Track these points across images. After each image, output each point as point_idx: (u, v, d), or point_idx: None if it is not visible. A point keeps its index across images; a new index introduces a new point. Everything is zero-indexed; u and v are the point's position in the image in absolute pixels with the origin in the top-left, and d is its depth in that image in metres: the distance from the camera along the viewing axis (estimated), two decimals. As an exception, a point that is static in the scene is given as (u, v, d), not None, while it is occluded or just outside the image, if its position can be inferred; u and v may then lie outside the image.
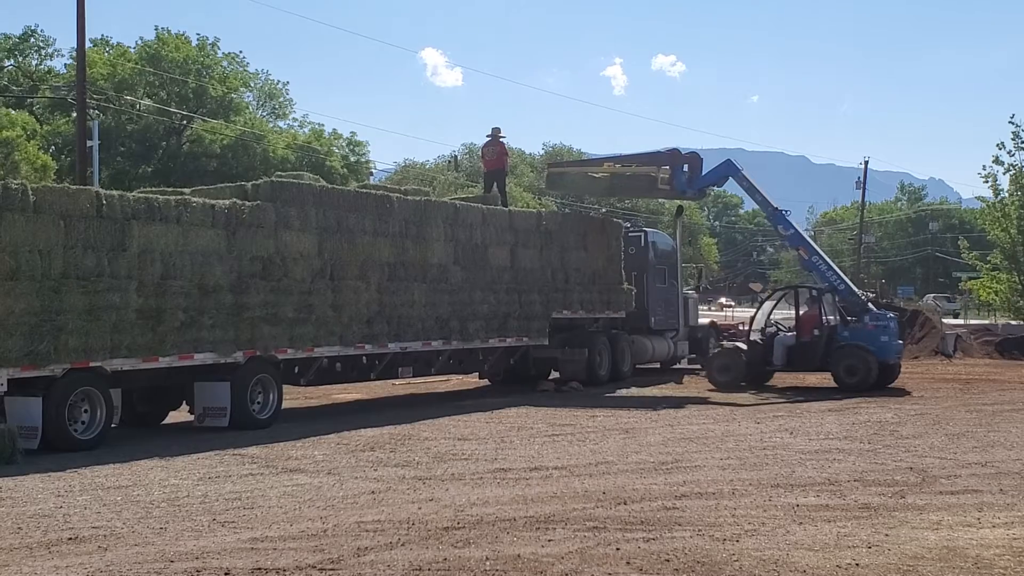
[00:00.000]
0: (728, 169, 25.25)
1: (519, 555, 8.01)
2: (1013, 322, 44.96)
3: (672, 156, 25.27)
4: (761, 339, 24.07)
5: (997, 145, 43.22)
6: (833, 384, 23.17)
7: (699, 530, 8.82)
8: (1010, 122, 43.05)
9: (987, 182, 44.22)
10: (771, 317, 24.97)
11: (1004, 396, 21.58)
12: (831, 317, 24.01)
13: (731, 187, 26.11)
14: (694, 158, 25.25)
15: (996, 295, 46.42)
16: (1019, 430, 15.83)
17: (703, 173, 25.29)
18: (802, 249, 25.35)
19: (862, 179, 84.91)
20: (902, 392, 22.48)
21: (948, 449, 13.80)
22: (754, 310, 26.66)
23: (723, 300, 74.39)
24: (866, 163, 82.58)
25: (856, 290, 24.95)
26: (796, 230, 25.99)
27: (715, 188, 25.52)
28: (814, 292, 24.56)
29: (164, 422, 17.90)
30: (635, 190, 28.79)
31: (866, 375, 23.07)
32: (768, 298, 26.66)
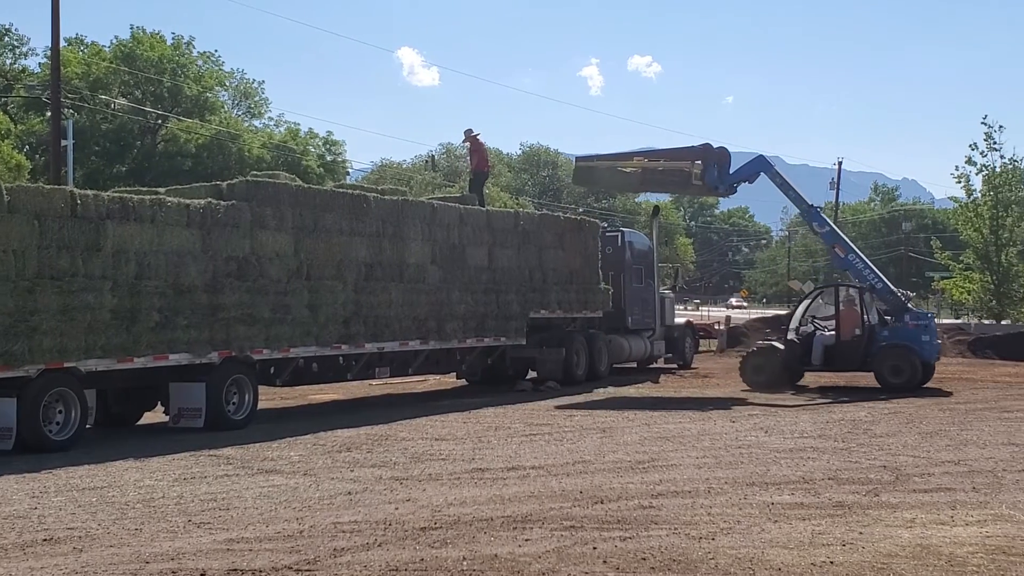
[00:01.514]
0: (760, 165, 24.85)
1: (496, 555, 8.02)
2: (986, 321, 45.34)
3: (704, 151, 24.71)
4: (798, 338, 23.72)
5: (970, 146, 43.67)
6: (867, 384, 23.02)
7: (675, 528, 8.85)
8: (983, 123, 43.49)
9: (960, 183, 44.66)
10: (807, 315, 24.41)
11: (977, 395, 21.74)
12: (870, 316, 23.69)
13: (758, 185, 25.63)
14: (723, 154, 24.75)
15: (969, 295, 46.83)
16: (991, 429, 15.96)
17: (732, 169, 24.86)
18: (838, 247, 24.84)
19: (836, 179, 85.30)
20: (942, 392, 22.27)
21: (921, 448, 13.90)
22: (793, 308, 25.96)
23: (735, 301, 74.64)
24: (840, 164, 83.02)
25: (894, 289, 24.76)
26: (832, 227, 25.72)
27: (747, 184, 25.03)
28: (853, 291, 24.09)
29: (139, 423, 17.82)
30: (668, 185, 27.76)
31: (912, 375, 22.89)
32: (807, 296, 26.04)
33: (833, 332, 23.66)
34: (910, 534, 8.60)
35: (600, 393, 22.45)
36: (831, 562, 7.72)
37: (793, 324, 24.20)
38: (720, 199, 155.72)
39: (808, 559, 7.81)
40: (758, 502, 10.04)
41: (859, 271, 24.22)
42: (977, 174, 44.08)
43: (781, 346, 23.75)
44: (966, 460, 12.74)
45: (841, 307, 23.91)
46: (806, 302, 25.19)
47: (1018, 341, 34.80)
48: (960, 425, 16.45)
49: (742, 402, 20.58)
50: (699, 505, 9.89)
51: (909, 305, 24.44)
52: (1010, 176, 43.77)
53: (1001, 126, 43.27)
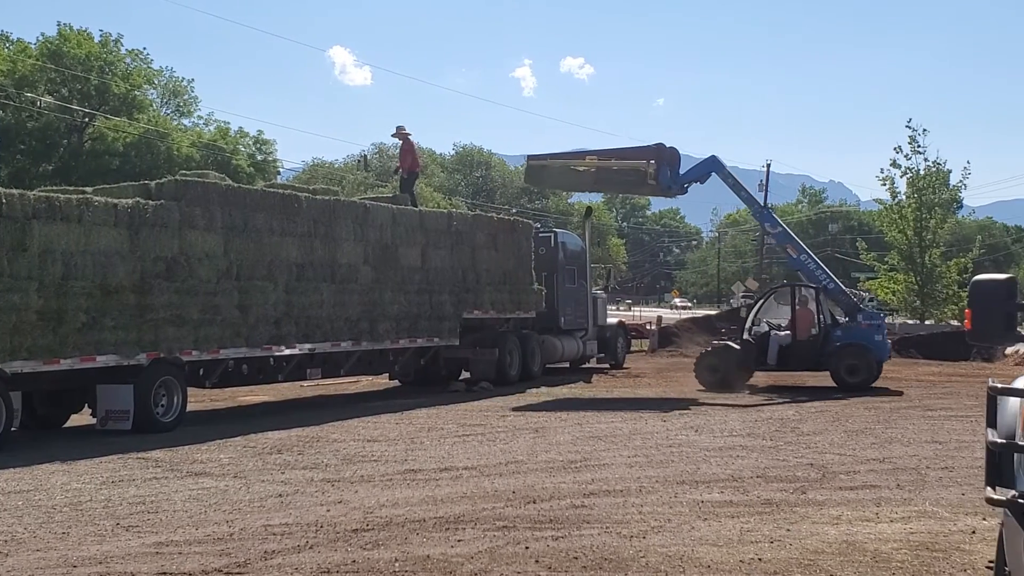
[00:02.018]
0: (712, 165, 24.88)
1: (428, 556, 8.03)
2: (910, 321, 46.22)
3: (657, 151, 24.57)
4: (752, 338, 23.80)
5: (895, 149, 44.49)
6: (815, 384, 23.31)
7: (607, 527, 8.92)
8: (907, 126, 44.34)
9: (885, 185, 45.50)
10: (757, 315, 24.48)
11: (901, 394, 22.13)
12: (825, 316, 23.84)
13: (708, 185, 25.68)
14: (674, 154, 24.69)
15: (893, 295, 47.70)
16: (915, 427, 16.28)
17: (682, 169, 24.83)
18: (790, 247, 25.07)
19: (765, 181, 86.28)
20: (893, 392, 22.54)
21: (848, 446, 14.14)
22: (742, 308, 25.95)
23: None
24: (768, 166, 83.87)
25: (846, 289, 24.94)
26: (784, 228, 25.83)
27: (697, 184, 25.04)
28: (808, 291, 24.20)
29: (66, 425, 17.54)
30: (622, 185, 27.66)
31: (868, 374, 23.17)
32: (763, 296, 26.02)
33: (788, 332, 23.81)
34: (836, 531, 8.76)
35: (534, 393, 22.51)
36: (759, 559, 7.84)
37: (747, 324, 24.22)
38: (651, 199, 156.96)
39: (737, 556, 7.92)
40: (688, 500, 10.15)
41: (811, 271, 24.47)
42: (901, 177, 44.97)
43: (736, 346, 23.76)
44: (891, 458, 12.98)
45: (797, 307, 24.03)
46: (760, 302, 25.25)
47: (941, 341, 35.53)
48: (885, 424, 16.75)
49: (694, 402, 20.52)
50: (630, 504, 9.98)
51: (861, 305, 24.78)
52: (933, 179, 44.67)
53: (925, 129, 44.17)
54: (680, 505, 9.93)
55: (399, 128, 25.18)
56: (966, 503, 9.96)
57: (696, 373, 23.86)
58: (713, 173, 24.88)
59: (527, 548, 8.22)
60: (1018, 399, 4.77)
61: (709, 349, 24.74)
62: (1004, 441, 4.69)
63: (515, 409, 19.36)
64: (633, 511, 9.64)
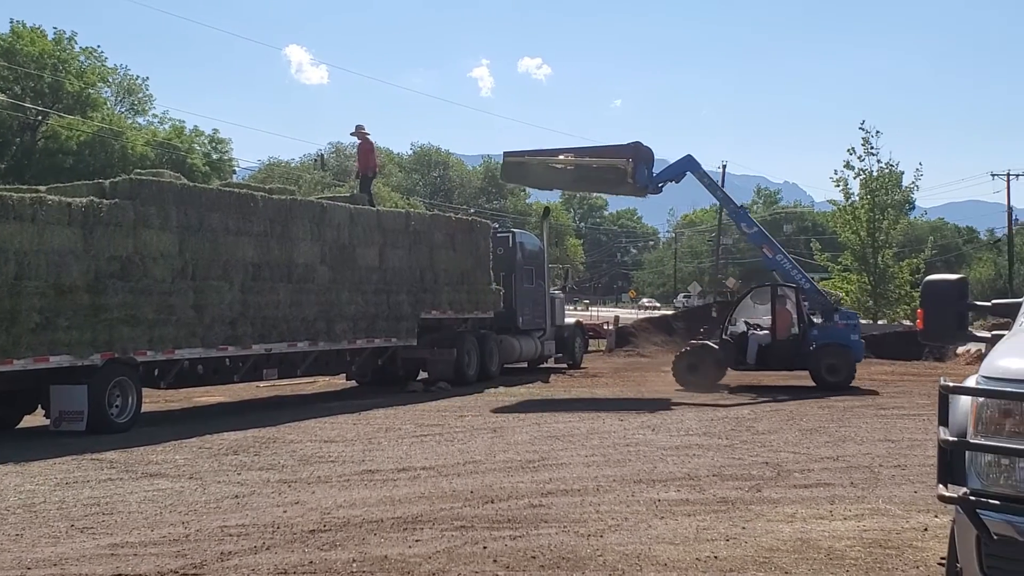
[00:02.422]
0: (688, 165, 24.82)
1: (386, 556, 8.02)
2: (863, 321, 46.67)
3: (635, 150, 24.39)
4: (731, 337, 23.80)
5: (848, 150, 44.94)
6: (785, 383, 23.45)
7: (564, 527, 8.95)
8: (861, 128, 44.80)
9: (838, 186, 45.97)
10: (735, 315, 24.53)
11: (855, 393, 22.36)
12: (804, 316, 23.93)
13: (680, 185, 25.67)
14: (649, 153, 24.58)
15: (847, 295, 48.19)
16: (868, 425, 16.46)
17: (655, 169, 24.78)
18: (766, 247, 25.08)
19: (720, 182, 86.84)
20: (870, 391, 22.77)
21: (802, 444, 14.27)
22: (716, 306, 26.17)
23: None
24: (724, 167, 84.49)
25: (821, 289, 25.00)
26: (759, 228, 25.89)
27: (672, 183, 24.98)
28: (788, 291, 24.29)
29: (19, 426, 17.35)
30: (602, 183, 26.89)
31: (848, 374, 23.32)
32: (743, 296, 25.94)
33: (767, 332, 23.87)
34: (791, 528, 8.84)
35: (492, 393, 22.52)
36: (715, 557, 7.90)
37: (726, 323, 24.26)
38: (609, 199, 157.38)
39: (693, 554, 7.97)
40: (645, 499, 10.21)
41: (787, 271, 24.58)
42: (855, 178, 45.44)
43: (715, 345, 23.78)
44: (844, 456, 13.12)
45: (776, 307, 24.08)
46: (747, 301, 25.21)
47: (894, 340, 35.94)
48: (839, 422, 16.92)
49: (673, 403, 20.28)
50: (588, 503, 10.02)
51: (838, 306, 24.94)
52: (886, 180, 45.16)
53: (878, 131, 44.69)
54: (637, 504, 9.98)
55: (358, 127, 25.05)
56: (918, 501, 10.09)
57: (674, 373, 23.82)
58: (688, 172, 24.84)
59: (485, 548, 8.23)
60: (969, 398, 4.84)
61: (687, 349, 24.60)
62: (956, 439, 4.77)
63: (473, 409, 19.33)
64: (590, 510, 9.67)
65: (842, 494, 10.46)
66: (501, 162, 26.71)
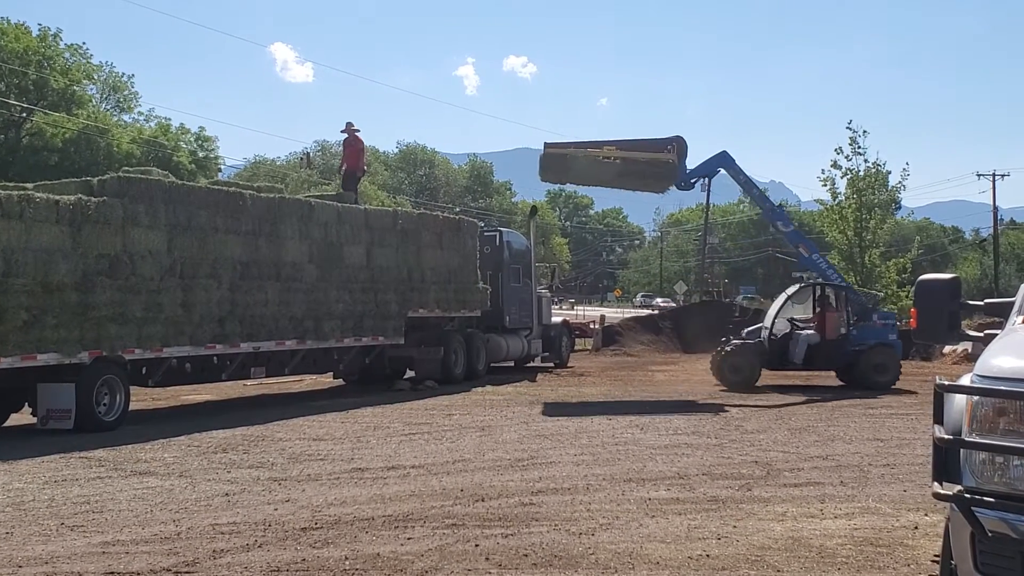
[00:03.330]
0: (723, 161, 24.44)
1: (378, 554, 8.02)
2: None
3: (678, 143, 23.56)
4: (775, 336, 23.51)
5: (835, 150, 45.00)
6: (796, 384, 23.39)
7: (556, 525, 8.97)
8: (848, 128, 44.86)
9: (825, 186, 46.01)
10: (779, 315, 24.15)
11: (843, 392, 22.44)
12: (850, 315, 23.78)
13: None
14: (686, 146, 23.77)
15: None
16: (857, 425, 16.53)
17: (694, 164, 24.31)
18: (802, 246, 24.90)
19: (707, 181, 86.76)
20: (907, 391, 22.63)
21: (791, 443, 14.32)
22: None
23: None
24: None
25: (857, 289, 24.83)
26: (796, 228, 25.57)
27: (704, 180, 24.55)
28: (835, 291, 24.11)
29: (5, 424, 17.26)
30: (647, 179, 24.64)
31: (895, 374, 23.21)
32: (793, 295, 25.17)
33: (814, 331, 23.58)
34: (782, 527, 8.87)
35: (480, 392, 22.52)
36: (707, 555, 7.92)
37: (767, 323, 24.03)
38: (594, 197, 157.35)
39: (685, 553, 7.99)
40: (636, 498, 10.23)
41: (823, 271, 24.48)
42: (842, 177, 45.50)
43: (759, 345, 23.46)
44: (834, 455, 13.17)
45: (826, 306, 23.84)
46: (780, 299, 25.00)
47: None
48: (827, 421, 16.99)
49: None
50: (578, 502, 10.03)
51: (875, 305, 24.84)
52: (873, 179, 45.27)
53: (865, 131, 44.74)
54: (628, 503, 10.00)
55: (349, 125, 24.97)
56: (908, 499, 10.15)
57: (717, 372, 23.42)
58: (721, 169, 24.44)
59: (477, 546, 8.24)
60: (964, 396, 4.87)
61: (731, 348, 23.82)
62: (951, 437, 4.80)
63: (461, 407, 19.31)
64: (581, 509, 9.69)
65: (832, 493, 10.50)
66: (542, 154, 23.92)
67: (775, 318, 23.96)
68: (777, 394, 21.79)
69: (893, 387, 23.10)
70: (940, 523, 8.95)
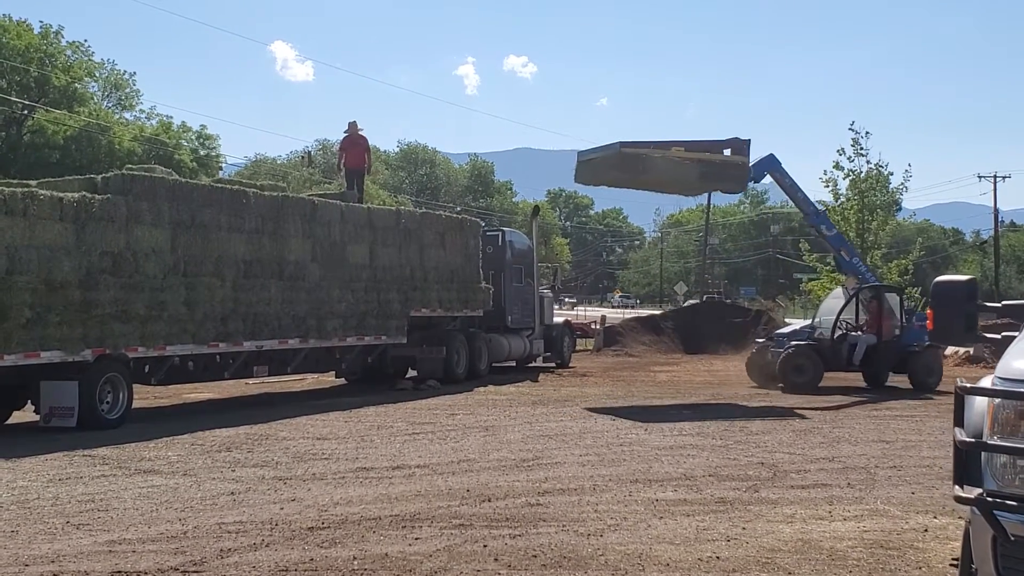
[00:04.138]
0: (771, 164, 24.22)
1: (387, 554, 7.98)
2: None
3: (736, 144, 22.96)
4: (834, 338, 23.38)
5: (838, 151, 44.88)
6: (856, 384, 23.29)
7: (563, 526, 8.93)
8: (850, 129, 44.74)
9: (828, 187, 45.85)
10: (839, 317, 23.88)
11: (846, 394, 22.38)
12: (903, 317, 23.82)
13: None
14: (746, 147, 23.15)
15: (836, 296, 48.19)
16: (862, 426, 16.48)
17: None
18: (844, 250, 24.87)
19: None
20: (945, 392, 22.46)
21: (796, 445, 14.27)
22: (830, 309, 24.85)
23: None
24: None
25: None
26: (839, 232, 25.55)
27: (752, 184, 24.30)
28: (891, 293, 24.19)
29: (8, 422, 17.22)
30: (726, 180, 23.66)
31: (940, 376, 23.26)
32: (851, 297, 24.71)
33: (872, 333, 23.51)
34: (791, 529, 8.83)
35: (482, 392, 22.47)
36: (717, 557, 7.88)
37: (822, 323, 23.92)
38: (595, 198, 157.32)
39: (695, 554, 7.95)
40: (643, 499, 10.18)
41: (863, 273, 24.51)
42: (844, 178, 45.39)
43: (822, 346, 23.29)
44: (840, 457, 13.12)
45: (883, 307, 23.81)
46: (833, 302, 24.80)
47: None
48: (832, 423, 16.94)
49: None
50: (586, 502, 9.99)
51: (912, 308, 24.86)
52: (875, 181, 45.17)
53: (868, 132, 44.60)
54: (635, 503, 9.96)
55: (352, 124, 24.85)
56: (917, 502, 10.10)
57: (781, 375, 23.13)
58: (768, 173, 24.27)
59: (485, 546, 8.19)
60: (985, 399, 4.83)
61: (793, 350, 23.45)
62: (972, 440, 4.75)
63: (464, 407, 19.25)
64: (589, 509, 9.65)
65: (840, 495, 10.46)
66: (618, 152, 21.84)
67: (837, 319, 23.66)
68: (830, 396, 21.58)
69: (887, 386, 23.28)
70: (950, 525, 8.94)
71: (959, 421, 4.92)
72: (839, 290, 25.23)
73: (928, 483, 11.19)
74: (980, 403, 4.89)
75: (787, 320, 45.23)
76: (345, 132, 24.89)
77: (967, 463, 4.79)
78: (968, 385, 4.92)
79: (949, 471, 11.62)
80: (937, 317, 5.92)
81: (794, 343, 23.62)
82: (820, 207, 25.22)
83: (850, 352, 23.30)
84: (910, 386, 23.27)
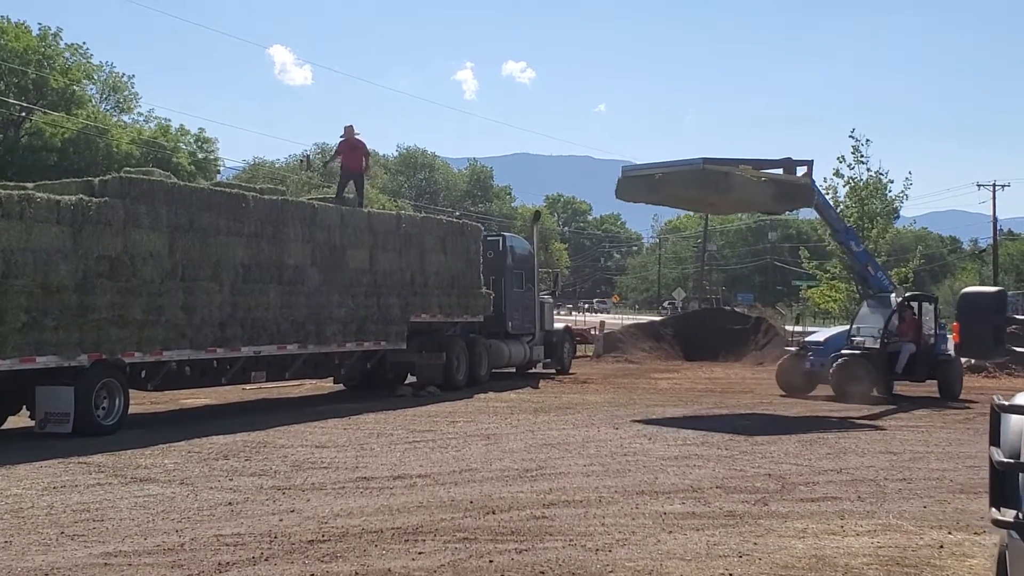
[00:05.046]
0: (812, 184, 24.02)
1: (390, 569, 7.76)
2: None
3: (796, 164, 23.08)
4: (884, 347, 23.27)
5: (838, 158, 44.76)
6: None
7: (570, 540, 8.71)
8: (851, 136, 44.64)
9: (828, 194, 45.69)
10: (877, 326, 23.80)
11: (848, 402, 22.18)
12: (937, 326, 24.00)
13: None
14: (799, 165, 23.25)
15: (835, 303, 48.10)
16: (867, 437, 16.28)
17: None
18: (870, 265, 25.03)
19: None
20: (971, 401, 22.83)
21: (803, 455, 14.05)
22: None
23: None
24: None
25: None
26: (865, 248, 25.82)
27: None
28: (928, 303, 24.35)
29: (2, 428, 16.98)
30: (796, 200, 23.66)
31: (962, 383, 23.60)
32: (901, 305, 24.47)
33: (912, 342, 23.51)
34: (804, 544, 8.61)
35: (483, 399, 22.24)
36: (729, 574, 7.67)
37: (867, 333, 23.76)
38: (592, 204, 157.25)
39: (707, 571, 7.74)
40: (650, 512, 9.97)
41: (886, 287, 24.63)
42: (844, 186, 45.27)
43: (872, 355, 23.16)
44: (847, 468, 12.91)
45: (922, 316, 23.95)
46: (870, 311, 24.60)
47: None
48: (836, 433, 16.73)
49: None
50: (592, 515, 9.77)
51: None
52: (874, 188, 45.04)
53: (868, 139, 44.50)
54: (642, 517, 9.74)
55: (348, 128, 24.25)
56: (929, 516, 9.90)
57: (836, 384, 22.86)
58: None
59: (491, 562, 7.98)
60: (1022, 417, 4.62)
61: (848, 359, 23.17)
62: (1011, 460, 4.54)
63: (464, 414, 19.03)
64: (595, 523, 9.43)
65: (851, 509, 10.24)
66: (700, 169, 21.11)
67: (886, 328, 23.46)
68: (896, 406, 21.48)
69: (894, 394, 23.24)
70: (966, 542, 8.74)
71: (995, 440, 4.71)
72: (872, 300, 25.03)
73: (939, 497, 10.99)
74: (1017, 422, 4.68)
75: (788, 328, 44.99)
76: (341, 136, 24.39)
77: (1004, 484, 4.58)
78: (1005, 403, 4.70)
79: (959, 484, 11.52)
80: (964, 330, 5.70)
81: (846, 352, 23.37)
82: (850, 227, 25.33)
83: (894, 360, 23.31)
84: (933, 394, 23.49)
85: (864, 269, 25.00)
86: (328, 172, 71.04)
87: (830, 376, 23.01)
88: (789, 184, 23.06)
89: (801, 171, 23.53)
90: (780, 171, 23.42)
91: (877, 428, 17.68)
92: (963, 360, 28.64)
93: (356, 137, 24.20)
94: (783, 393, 24.05)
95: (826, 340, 24.60)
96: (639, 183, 21.98)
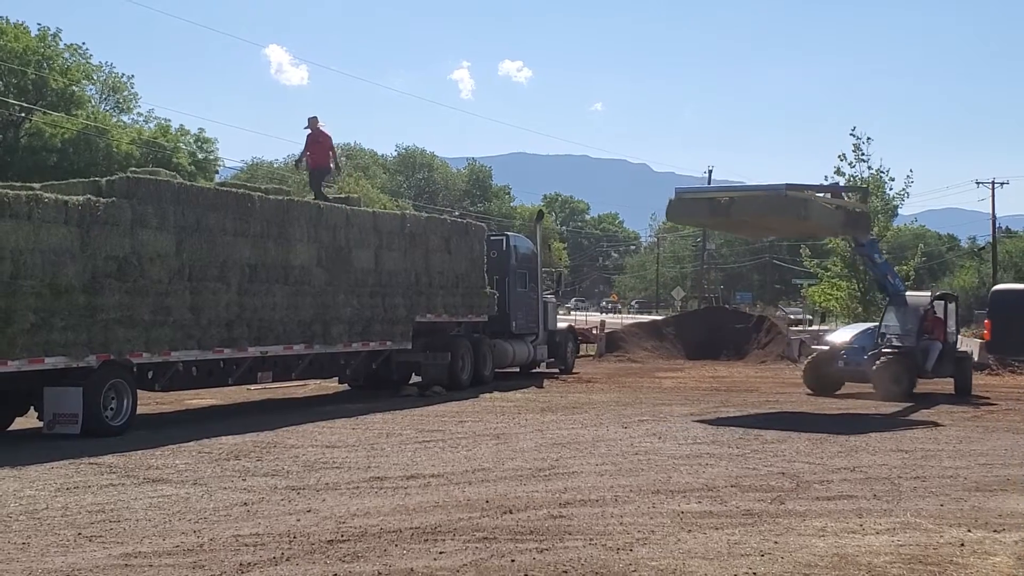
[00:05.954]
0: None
1: (412, 569, 7.74)
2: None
3: (833, 188, 24.36)
4: (919, 346, 23.34)
5: (839, 156, 44.77)
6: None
7: (590, 539, 8.69)
8: (851, 134, 44.65)
9: (828, 193, 45.65)
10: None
11: (849, 398, 22.20)
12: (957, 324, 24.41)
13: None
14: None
15: (836, 301, 48.11)
16: (878, 435, 16.28)
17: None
18: (889, 274, 25.22)
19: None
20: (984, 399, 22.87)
21: (815, 454, 14.04)
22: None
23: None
24: (710, 172, 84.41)
25: None
26: (885, 259, 26.04)
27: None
28: (951, 302, 24.57)
29: (10, 428, 16.95)
30: (859, 228, 23.56)
31: (971, 382, 23.84)
32: (932, 304, 24.44)
33: (938, 340, 23.56)
34: (824, 543, 8.59)
35: (489, 398, 22.21)
36: (753, 573, 7.65)
37: (895, 332, 23.79)
38: (590, 204, 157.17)
39: (730, 570, 7.72)
40: (668, 511, 9.95)
41: (901, 291, 24.66)
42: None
43: (910, 354, 23.18)
44: (861, 467, 12.90)
45: (946, 314, 23.99)
46: (896, 311, 24.46)
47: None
48: (847, 431, 16.70)
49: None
50: (609, 514, 9.75)
51: None
52: (874, 187, 45.02)
53: (869, 138, 44.52)
54: (660, 515, 9.72)
55: (312, 120, 23.23)
56: (947, 514, 9.88)
57: (878, 384, 22.74)
58: None
59: (513, 561, 7.96)
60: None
61: (889, 359, 23.05)
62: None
63: (471, 414, 19.00)
64: (614, 522, 9.41)
65: (868, 507, 10.23)
66: (784, 196, 20.58)
67: (921, 327, 23.51)
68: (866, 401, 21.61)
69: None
70: (986, 540, 8.75)
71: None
72: (896, 300, 25.03)
73: (955, 495, 10.98)
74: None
75: (811, 328, 44.86)
76: (305, 128, 23.22)
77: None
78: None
79: (974, 482, 11.50)
80: (995, 327, 5.69)
81: (887, 351, 23.32)
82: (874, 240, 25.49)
83: (924, 359, 23.42)
84: (952, 392, 23.66)
85: (884, 278, 25.14)
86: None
87: (871, 375, 22.95)
88: (855, 212, 23.29)
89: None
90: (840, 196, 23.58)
91: (935, 425, 17.81)
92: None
93: (320, 128, 23.23)
94: (810, 392, 23.87)
95: (853, 339, 24.51)
96: (700, 206, 21.51)
